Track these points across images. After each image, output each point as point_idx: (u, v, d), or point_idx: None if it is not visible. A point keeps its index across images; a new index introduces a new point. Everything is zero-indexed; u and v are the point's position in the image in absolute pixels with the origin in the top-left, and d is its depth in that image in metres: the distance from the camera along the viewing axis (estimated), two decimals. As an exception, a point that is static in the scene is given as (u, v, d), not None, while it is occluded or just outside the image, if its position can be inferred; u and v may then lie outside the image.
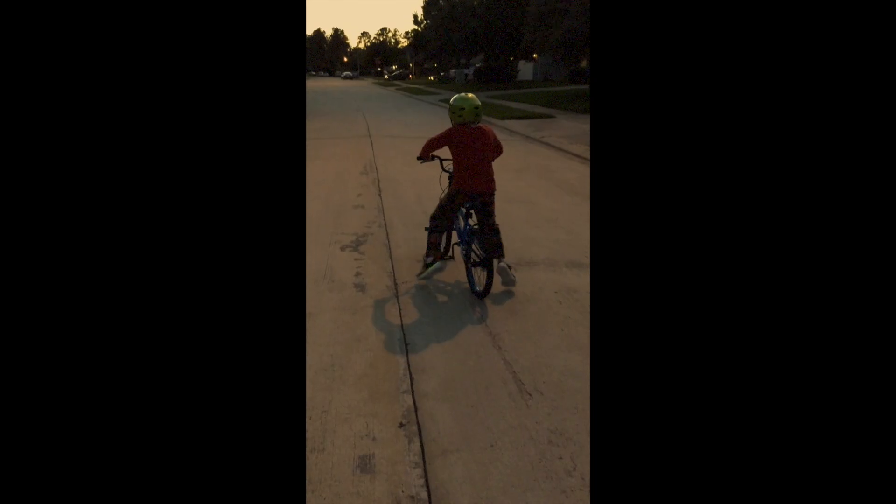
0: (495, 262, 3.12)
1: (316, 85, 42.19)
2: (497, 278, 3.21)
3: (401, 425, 2.06)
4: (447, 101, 20.46)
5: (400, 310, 3.06)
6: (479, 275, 3.12)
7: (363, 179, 6.55)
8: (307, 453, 1.90)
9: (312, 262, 3.77)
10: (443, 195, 3.26)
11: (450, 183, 3.31)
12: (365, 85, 44.98)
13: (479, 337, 2.75)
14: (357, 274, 3.58)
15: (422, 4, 44.79)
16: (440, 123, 12.77)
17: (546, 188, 6.09)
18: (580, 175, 6.85)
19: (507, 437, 1.99)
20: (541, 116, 13.74)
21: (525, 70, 36.98)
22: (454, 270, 3.60)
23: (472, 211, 3.24)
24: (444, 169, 3.47)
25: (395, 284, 3.42)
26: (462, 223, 3.32)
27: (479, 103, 3.09)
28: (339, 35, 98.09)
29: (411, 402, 2.20)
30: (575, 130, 10.68)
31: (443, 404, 2.19)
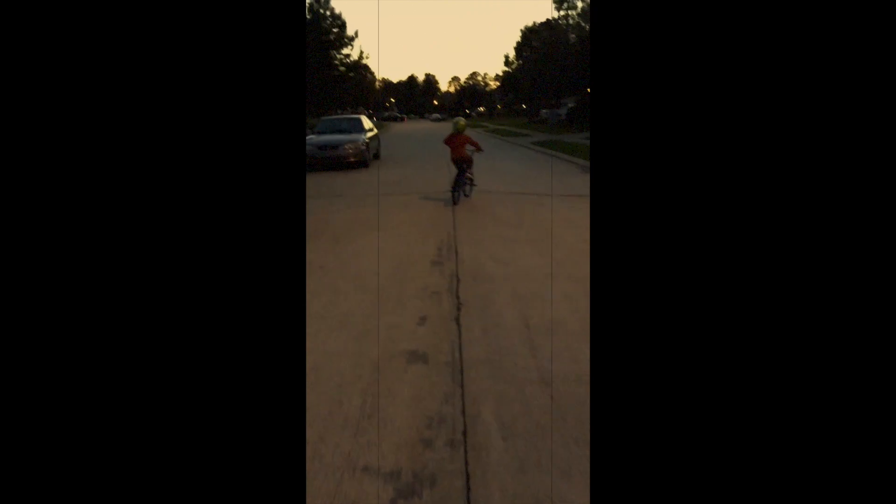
0: (469, 188, 7.70)
1: (402, 129, 42.13)
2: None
3: None
4: (540, 143, 18.14)
5: None
6: (456, 198, 7.31)
7: (433, 278, 4.11)
8: None
9: None
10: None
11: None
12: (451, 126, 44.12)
13: None
14: None
15: (514, 45, 43.76)
16: (542, 175, 10.26)
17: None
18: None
19: None
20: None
21: (625, 109, 33.67)
22: None
23: (462, 168, 7.47)
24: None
25: None
26: (457, 177, 7.47)
27: (464, 122, 7.76)
28: (430, 80, 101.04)
29: None
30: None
31: None
